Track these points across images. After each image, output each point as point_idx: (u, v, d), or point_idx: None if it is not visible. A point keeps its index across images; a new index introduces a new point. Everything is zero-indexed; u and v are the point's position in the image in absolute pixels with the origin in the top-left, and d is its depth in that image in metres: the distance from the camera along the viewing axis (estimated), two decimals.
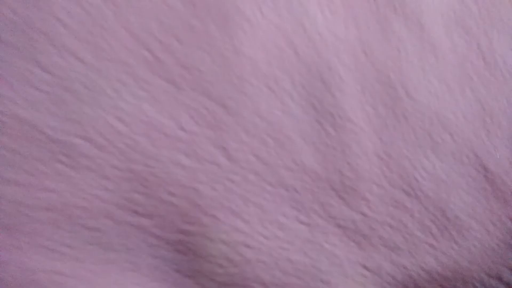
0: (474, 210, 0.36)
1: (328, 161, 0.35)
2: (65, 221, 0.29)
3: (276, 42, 0.35)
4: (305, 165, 0.34)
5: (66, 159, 0.28)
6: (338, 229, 0.34)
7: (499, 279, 0.37)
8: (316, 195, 0.34)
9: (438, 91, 0.38)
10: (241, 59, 0.34)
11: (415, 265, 0.36)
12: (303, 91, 0.35)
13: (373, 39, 0.37)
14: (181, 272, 0.31)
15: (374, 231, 0.35)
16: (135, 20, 0.29)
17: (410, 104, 0.37)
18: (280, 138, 0.34)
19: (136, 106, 0.29)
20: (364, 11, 0.38)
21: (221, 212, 0.31)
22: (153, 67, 0.30)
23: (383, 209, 0.35)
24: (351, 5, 0.38)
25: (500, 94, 0.39)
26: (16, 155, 0.28)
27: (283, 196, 0.33)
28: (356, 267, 0.35)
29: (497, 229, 0.36)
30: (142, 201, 0.29)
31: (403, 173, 0.35)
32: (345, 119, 0.35)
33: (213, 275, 0.32)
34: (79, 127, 0.28)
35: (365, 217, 0.35)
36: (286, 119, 0.34)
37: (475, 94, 0.39)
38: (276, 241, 0.33)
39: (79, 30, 0.28)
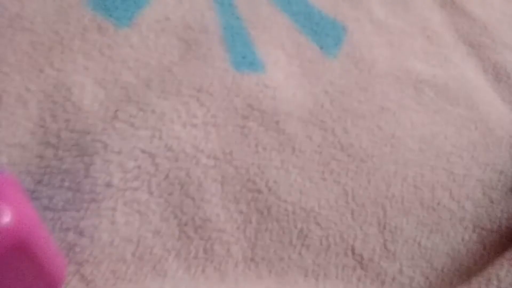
0: None
1: (197, 272, 0.34)
2: None
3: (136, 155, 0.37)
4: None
5: None
6: None
7: None
8: None
9: (300, 184, 0.39)
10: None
11: None
12: (163, 202, 0.36)
13: (232, 142, 0.40)
14: None
15: None
16: None
17: (272, 199, 0.38)
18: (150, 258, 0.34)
19: None
20: (225, 117, 0.41)
21: None
22: None
23: None
24: (213, 115, 0.40)
25: (359, 174, 0.41)
26: None
27: None
28: None
29: None
30: None
31: (271, 269, 0.35)
32: (209, 224, 0.36)
33: None
34: None
35: None
36: (151, 235, 0.34)
37: (336, 179, 0.41)
38: None
39: None
